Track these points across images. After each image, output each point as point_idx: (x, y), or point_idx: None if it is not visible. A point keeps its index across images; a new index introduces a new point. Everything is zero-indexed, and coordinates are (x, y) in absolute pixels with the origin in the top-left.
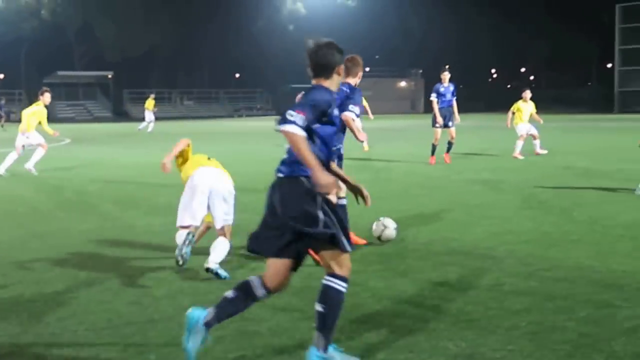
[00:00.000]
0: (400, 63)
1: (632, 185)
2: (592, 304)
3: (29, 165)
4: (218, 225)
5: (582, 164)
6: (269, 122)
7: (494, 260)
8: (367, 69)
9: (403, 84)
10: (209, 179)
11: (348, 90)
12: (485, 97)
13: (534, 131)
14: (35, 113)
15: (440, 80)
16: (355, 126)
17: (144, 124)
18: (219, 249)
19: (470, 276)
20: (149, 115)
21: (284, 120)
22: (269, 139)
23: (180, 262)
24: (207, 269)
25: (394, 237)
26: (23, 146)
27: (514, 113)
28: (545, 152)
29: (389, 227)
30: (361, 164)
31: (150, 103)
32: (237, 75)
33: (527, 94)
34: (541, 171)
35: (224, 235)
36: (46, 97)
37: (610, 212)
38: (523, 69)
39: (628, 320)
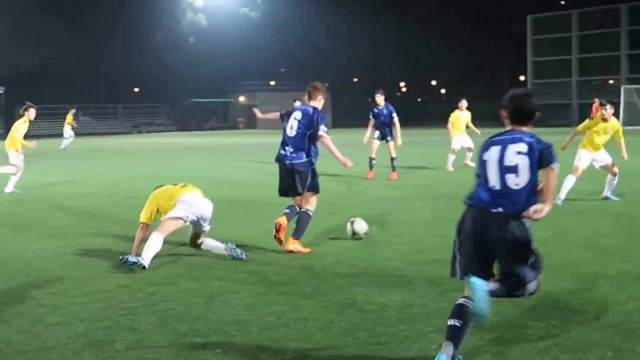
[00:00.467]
0: (306, 76)
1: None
2: (504, 324)
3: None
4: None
5: None
6: (169, 138)
7: (403, 281)
8: (272, 83)
9: None
10: (197, 206)
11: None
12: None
13: (470, 144)
14: (23, 130)
15: (374, 102)
16: (334, 148)
17: (64, 141)
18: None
19: (379, 298)
20: (68, 131)
21: None
22: (165, 155)
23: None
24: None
25: (365, 228)
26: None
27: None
28: (473, 164)
29: (356, 220)
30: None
31: (69, 118)
32: (137, 89)
33: (463, 103)
34: (453, 188)
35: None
36: (31, 113)
37: None
38: (434, 82)
39: (542, 339)
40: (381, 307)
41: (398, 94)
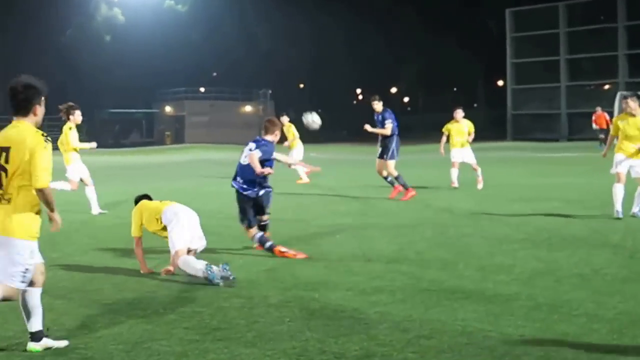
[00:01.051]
0: (242, 82)
1: (524, 232)
2: None
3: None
4: (194, 246)
5: (465, 205)
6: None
7: (364, 325)
8: (202, 89)
9: (248, 108)
10: (183, 212)
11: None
12: (349, 123)
13: (471, 159)
14: (75, 136)
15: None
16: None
17: None
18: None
19: (334, 345)
20: None
21: None
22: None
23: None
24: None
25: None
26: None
27: (447, 136)
28: (480, 186)
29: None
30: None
31: None
32: None
33: (459, 113)
34: (418, 214)
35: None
36: (77, 116)
37: (503, 265)
38: (394, 90)
39: None
40: (336, 357)
41: (354, 102)
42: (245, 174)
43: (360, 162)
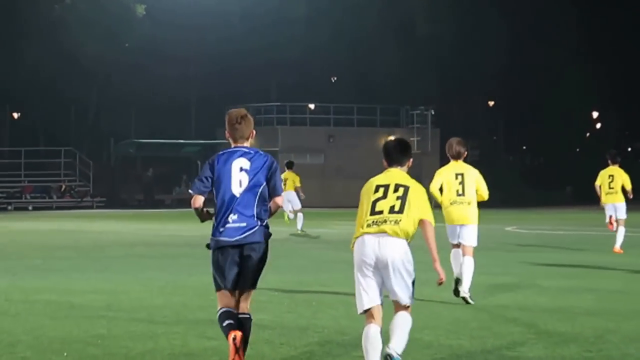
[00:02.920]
0: (384, 94)
1: None
2: None
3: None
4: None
5: None
6: None
7: None
8: (311, 106)
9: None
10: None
11: None
12: (577, 172)
13: (621, 214)
14: None
15: None
16: None
17: None
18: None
19: None
20: None
21: None
22: None
23: None
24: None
25: None
26: None
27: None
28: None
29: None
30: None
31: None
32: None
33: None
34: None
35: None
36: None
37: None
38: None
39: None
40: None
41: (588, 133)
42: None
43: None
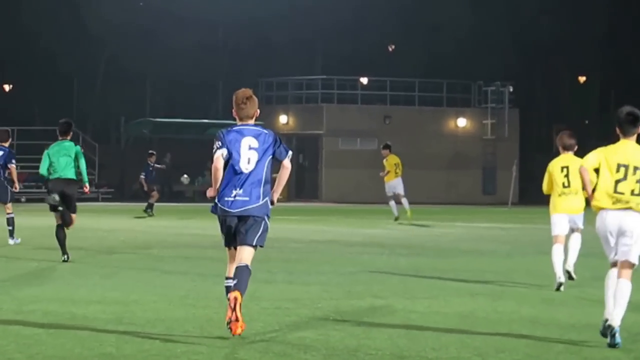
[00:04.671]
0: (453, 67)
1: None
2: None
3: None
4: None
5: None
6: None
7: None
8: (364, 80)
9: (463, 122)
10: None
11: None
12: None
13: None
14: None
15: None
16: None
17: None
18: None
19: None
20: None
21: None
22: None
23: None
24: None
25: None
26: None
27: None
28: None
29: None
30: None
31: None
32: None
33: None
34: None
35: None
36: None
37: None
38: None
39: None
40: None
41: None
42: None
43: None
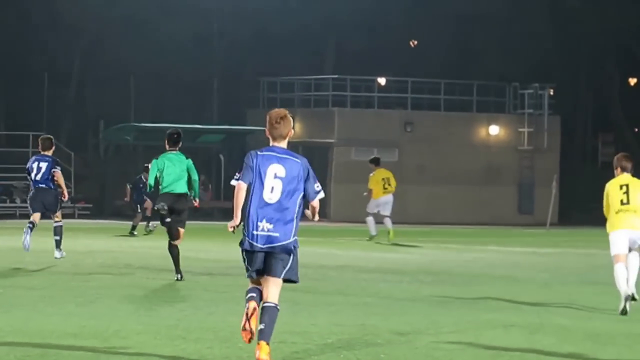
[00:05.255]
0: (483, 66)
1: None
2: None
3: None
4: None
5: None
6: None
7: None
8: (382, 81)
9: (495, 130)
10: None
11: None
12: None
13: None
14: None
15: None
16: None
17: None
18: None
19: None
20: None
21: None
22: None
23: None
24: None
25: None
26: None
27: None
28: None
29: None
30: None
31: None
32: None
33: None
34: None
35: None
36: None
37: None
38: None
39: None
40: None
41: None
42: None
43: None
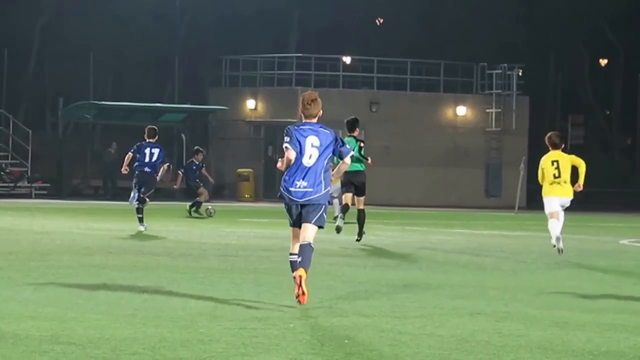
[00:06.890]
0: (450, 45)
1: None
2: None
3: None
4: None
5: None
6: None
7: None
8: (347, 60)
9: (462, 110)
10: None
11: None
12: None
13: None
14: None
15: None
16: None
17: None
18: None
19: None
20: None
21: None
22: None
23: None
24: None
25: None
26: None
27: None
28: None
29: None
30: None
31: None
32: None
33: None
34: None
35: None
36: None
37: None
38: None
39: None
40: None
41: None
42: None
43: None
